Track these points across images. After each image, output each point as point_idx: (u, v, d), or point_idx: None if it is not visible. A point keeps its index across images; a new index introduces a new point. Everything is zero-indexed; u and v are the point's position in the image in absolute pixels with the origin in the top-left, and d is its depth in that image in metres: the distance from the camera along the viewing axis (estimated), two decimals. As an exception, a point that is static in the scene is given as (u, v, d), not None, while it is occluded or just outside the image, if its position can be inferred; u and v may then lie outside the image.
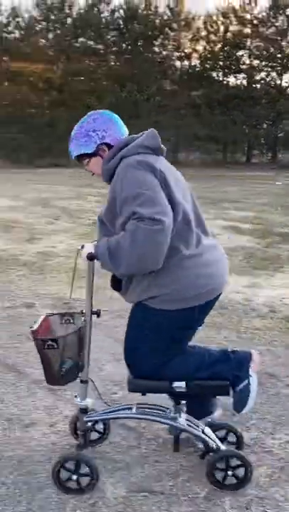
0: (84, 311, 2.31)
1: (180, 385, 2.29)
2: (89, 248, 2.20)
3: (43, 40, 28.99)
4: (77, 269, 2.33)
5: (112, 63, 28.99)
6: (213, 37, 28.40)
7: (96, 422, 2.52)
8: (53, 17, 28.76)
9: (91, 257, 2.18)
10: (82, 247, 2.23)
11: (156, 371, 2.27)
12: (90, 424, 2.42)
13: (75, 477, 2.24)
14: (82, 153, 2.32)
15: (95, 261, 2.19)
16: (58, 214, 9.78)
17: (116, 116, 2.36)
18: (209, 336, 3.91)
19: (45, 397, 3.03)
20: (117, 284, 2.33)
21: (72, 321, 2.37)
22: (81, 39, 28.58)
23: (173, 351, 2.29)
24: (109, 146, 2.29)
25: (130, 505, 2.19)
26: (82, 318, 2.31)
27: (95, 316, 2.30)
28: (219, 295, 2.32)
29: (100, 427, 2.59)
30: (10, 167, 21.82)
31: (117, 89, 26.87)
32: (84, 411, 2.35)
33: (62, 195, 12.64)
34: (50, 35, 29.11)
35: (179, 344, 2.31)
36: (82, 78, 27.45)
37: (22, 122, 26.08)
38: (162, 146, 2.31)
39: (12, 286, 5.30)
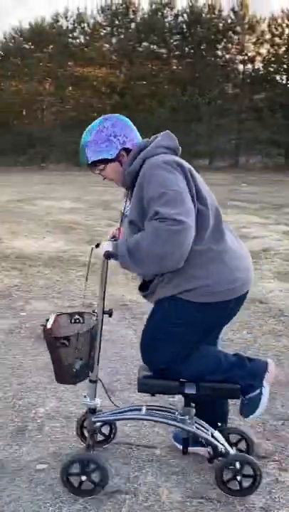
0: (96, 311, 2.31)
1: (191, 387, 2.25)
2: (107, 246, 2.17)
3: (107, 45, 29.44)
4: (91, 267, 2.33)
5: (174, 67, 29.06)
6: (277, 40, 27.93)
7: (104, 423, 2.51)
8: (117, 22, 29.16)
9: (108, 255, 2.16)
10: (97, 245, 2.22)
11: (173, 365, 2.23)
12: (98, 424, 2.41)
13: (84, 478, 2.22)
14: (102, 158, 2.29)
15: (113, 260, 2.17)
16: (118, 216, 9.85)
17: (130, 121, 2.36)
18: (268, 344, 3.84)
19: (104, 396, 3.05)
20: (145, 286, 2.32)
21: (81, 320, 2.36)
22: (144, 43, 28.82)
23: (194, 346, 2.25)
24: (127, 151, 2.28)
25: (185, 510, 2.17)
26: (93, 317, 2.31)
27: (107, 315, 2.30)
28: (247, 292, 2.31)
29: (106, 429, 2.58)
30: (72, 170, 22.29)
31: (179, 93, 26.90)
32: (93, 411, 2.35)
33: (121, 198, 12.73)
34: (114, 40, 29.52)
35: (203, 338, 2.28)
36: (144, 82, 27.66)
37: (84, 126, 26.54)
38: (178, 146, 2.32)
39: (72, 286, 5.39)
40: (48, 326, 2.23)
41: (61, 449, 2.56)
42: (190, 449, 2.46)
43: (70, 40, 29.58)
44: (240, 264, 2.24)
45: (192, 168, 2.24)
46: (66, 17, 29.81)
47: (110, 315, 2.29)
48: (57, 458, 2.47)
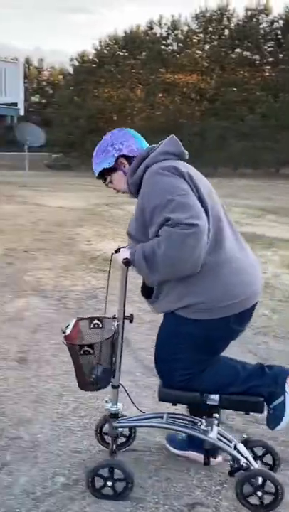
0: (116, 316, 2.28)
1: (212, 398, 2.20)
2: (125, 253, 2.16)
3: (200, 52, 29.43)
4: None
5: (267, 74, 28.52)
6: None
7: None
8: (211, 29, 29.09)
9: (127, 262, 2.14)
10: (117, 251, 2.20)
11: (187, 383, 2.20)
12: (120, 429, 2.39)
13: (110, 483, 2.22)
14: (103, 168, 2.30)
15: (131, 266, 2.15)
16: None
17: (134, 131, 2.35)
18: None
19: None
20: (147, 291, 2.27)
21: (100, 325, 2.36)
22: (237, 50, 28.55)
23: (206, 363, 2.21)
24: (128, 158, 2.27)
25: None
26: (114, 322, 2.29)
27: (128, 321, 2.28)
28: (255, 304, 2.23)
29: (125, 432, 2.56)
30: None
31: (271, 99, 26.36)
32: (114, 416, 2.33)
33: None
34: (207, 47, 29.46)
35: (212, 355, 2.24)
36: (235, 89, 27.38)
37: (172, 132, 26.66)
38: (185, 151, 2.25)
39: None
40: (67, 332, 2.24)
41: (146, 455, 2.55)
42: (179, 452, 2.49)
43: (163, 47, 29.85)
44: (241, 279, 2.17)
45: (191, 173, 2.17)
46: (160, 24, 30.14)
47: (131, 320, 2.29)
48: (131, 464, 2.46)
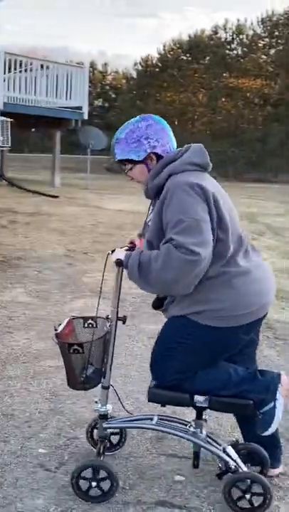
0: (109, 317, 2.27)
1: (201, 400, 2.19)
2: (119, 254, 2.16)
3: (265, 56, 29.05)
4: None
5: None
6: None
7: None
8: (277, 33, 28.65)
9: (119, 263, 2.14)
10: (113, 251, 2.19)
11: (179, 383, 2.20)
12: (109, 430, 2.37)
13: (94, 484, 2.20)
14: (129, 158, 2.23)
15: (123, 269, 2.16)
16: (263, 230, 9.66)
17: (168, 126, 2.27)
18: None
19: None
20: (159, 302, 2.28)
21: (95, 325, 2.34)
22: (304, 54, 27.96)
23: (201, 366, 2.21)
24: (158, 156, 2.22)
25: None
26: (107, 323, 2.29)
27: (121, 322, 2.28)
28: (265, 315, 2.25)
29: (115, 436, 2.55)
30: (218, 180, 22.25)
31: None
32: (104, 417, 2.32)
33: (268, 211, 12.47)
34: (272, 51, 29.03)
35: (212, 362, 2.23)
36: (300, 93, 26.84)
37: (233, 136, 26.48)
38: (210, 162, 2.22)
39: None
40: (59, 330, 2.25)
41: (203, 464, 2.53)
42: None
43: (227, 51, 29.67)
44: (255, 289, 2.17)
45: (217, 192, 2.13)
46: (225, 29, 29.97)
47: (124, 321, 2.29)
48: (193, 472, 2.44)
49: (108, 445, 2.46)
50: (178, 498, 2.27)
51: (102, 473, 2.21)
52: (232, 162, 25.30)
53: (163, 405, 2.37)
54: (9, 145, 14.34)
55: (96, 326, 2.36)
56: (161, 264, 2.00)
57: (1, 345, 3.88)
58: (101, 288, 2.33)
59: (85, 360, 2.22)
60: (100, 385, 2.33)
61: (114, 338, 2.31)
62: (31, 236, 8.08)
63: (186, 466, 2.48)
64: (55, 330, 2.26)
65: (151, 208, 2.36)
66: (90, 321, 2.38)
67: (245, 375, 2.24)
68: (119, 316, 2.30)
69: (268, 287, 2.25)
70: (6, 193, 12.70)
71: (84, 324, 2.38)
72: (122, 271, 2.24)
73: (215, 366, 2.24)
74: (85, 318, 2.41)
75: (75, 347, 2.20)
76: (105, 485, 2.21)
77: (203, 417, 2.27)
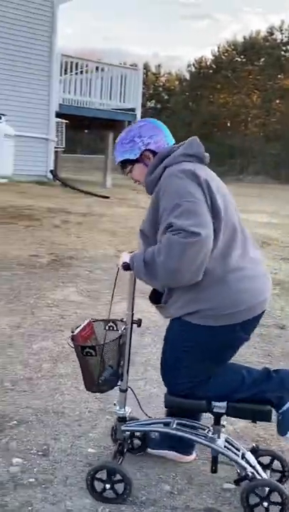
0: (125, 320, 2.28)
1: (219, 406, 2.18)
2: (125, 258, 2.17)
3: None
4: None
5: None
6: None
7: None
8: None
9: (126, 267, 2.15)
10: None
11: (191, 391, 2.20)
12: (127, 433, 2.37)
13: (108, 486, 2.20)
14: (125, 158, 2.28)
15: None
16: (317, 235, 9.46)
17: (163, 125, 2.28)
18: None
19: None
20: (156, 296, 2.23)
21: (115, 328, 2.35)
22: None
23: (211, 370, 2.20)
24: (154, 153, 2.24)
25: None
26: (123, 326, 2.30)
27: (136, 325, 2.28)
28: (262, 313, 2.23)
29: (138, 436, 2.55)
30: (270, 183, 21.97)
31: None
32: (122, 420, 2.32)
33: None
34: None
35: (217, 363, 2.22)
36: None
37: (287, 138, 26.01)
38: (206, 154, 2.17)
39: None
40: (76, 332, 2.25)
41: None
42: (153, 451, 2.51)
43: (282, 52, 29.19)
44: (249, 287, 2.15)
45: (208, 179, 2.12)
46: (281, 30, 29.49)
47: (139, 325, 2.29)
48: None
49: (130, 447, 2.51)
50: (226, 507, 2.25)
51: (117, 476, 2.22)
52: (285, 164, 24.88)
53: (180, 411, 2.35)
54: (63, 146, 14.61)
55: (117, 329, 2.37)
56: (164, 256, 1.99)
57: (53, 343, 3.95)
58: (113, 291, 2.40)
59: (99, 363, 2.24)
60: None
61: (130, 342, 2.32)
62: (83, 236, 8.18)
63: (235, 474, 2.45)
64: (72, 332, 2.28)
65: None
66: (110, 323, 2.40)
67: (258, 375, 2.24)
68: (134, 319, 2.31)
69: (263, 284, 2.22)
70: (60, 193, 12.92)
71: (105, 327, 2.40)
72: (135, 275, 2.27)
73: (226, 370, 2.24)
74: (106, 321, 2.42)
75: (88, 349, 2.22)
76: (119, 487, 2.22)
77: (222, 422, 2.27)
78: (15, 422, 2.81)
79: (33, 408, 2.97)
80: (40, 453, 2.54)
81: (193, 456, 2.52)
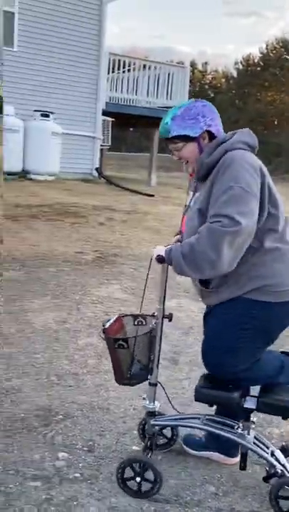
0: (156, 314, 2.27)
1: (250, 401, 2.18)
2: (159, 251, 2.15)
3: None
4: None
5: None
6: None
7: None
8: None
9: (160, 260, 2.13)
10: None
11: (236, 375, 2.19)
12: (157, 428, 2.37)
13: (138, 479, 2.21)
14: (184, 134, 2.22)
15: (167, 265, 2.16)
16: None
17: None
18: None
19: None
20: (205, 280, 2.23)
21: (144, 323, 2.36)
22: None
23: (259, 353, 2.20)
24: (210, 135, 2.23)
25: None
26: (154, 320, 2.29)
27: (167, 319, 2.27)
28: None
29: (167, 432, 2.57)
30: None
31: None
32: (152, 414, 2.34)
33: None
34: None
35: (268, 343, 2.23)
36: None
37: None
38: (257, 144, 2.24)
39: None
40: (107, 325, 2.25)
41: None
42: (198, 453, 2.51)
43: None
44: None
45: (266, 170, 2.17)
46: None
47: (170, 319, 2.28)
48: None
49: (160, 442, 2.54)
50: (272, 511, 2.20)
51: (147, 470, 2.22)
52: None
53: (210, 405, 2.35)
54: (109, 144, 14.71)
55: (146, 324, 2.38)
56: (204, 243, 2.00)
57: (98, 340, 3.98)
58: (145, 286, 2.38)
59: (130, 356, 2.25)
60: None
61: (161, 336, 2.32)
62: (127, 234, 8.21)
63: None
64: (103, 326, 2.30)
65: (191, 193, 2.37)
66: (139, 318, 2.42)
67: None
68: (166, 313, 2.30)
69: None
70: (105, 191, 13.02)
71: (134, 322, 2.42)
72: (167, 268, 2.25)
73: (266, 354, 2.25)
74: (135, 316, 2.44)
75: (120, 342, 2.23)
76: (148, 482, 2.23)
77: (252, 419, 2.25)
78: (61, 416, 2.85)
79: (78, 403, 3.00)
80: (85, 448, 2.57)
81: (237, 459, 2.49)
